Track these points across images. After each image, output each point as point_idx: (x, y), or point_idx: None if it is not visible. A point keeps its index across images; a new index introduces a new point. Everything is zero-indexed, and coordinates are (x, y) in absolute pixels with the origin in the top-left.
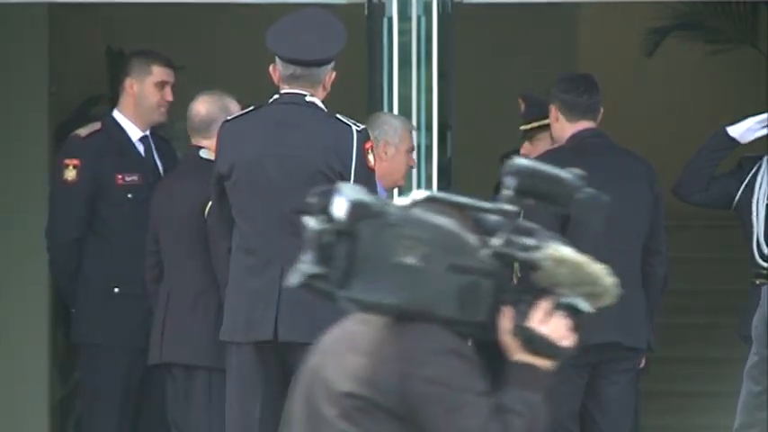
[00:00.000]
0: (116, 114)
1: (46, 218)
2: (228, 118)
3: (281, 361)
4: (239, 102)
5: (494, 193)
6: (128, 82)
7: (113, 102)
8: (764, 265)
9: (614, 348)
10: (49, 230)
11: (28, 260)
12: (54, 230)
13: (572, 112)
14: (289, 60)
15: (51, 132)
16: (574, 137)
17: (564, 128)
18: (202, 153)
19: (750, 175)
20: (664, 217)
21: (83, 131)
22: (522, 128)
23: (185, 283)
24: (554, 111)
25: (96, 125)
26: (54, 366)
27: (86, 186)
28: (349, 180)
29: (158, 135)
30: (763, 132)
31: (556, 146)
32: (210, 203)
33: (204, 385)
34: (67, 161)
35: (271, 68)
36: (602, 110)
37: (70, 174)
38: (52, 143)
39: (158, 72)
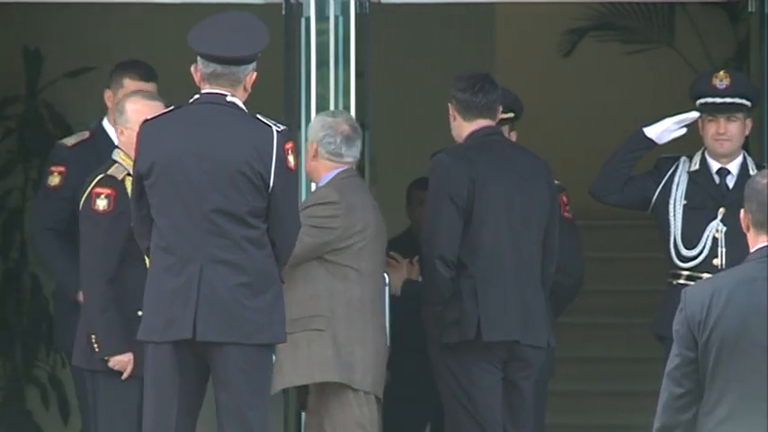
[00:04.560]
0: (105, 123)
1: None
2: (148, 117)
3: (198, 360)
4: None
5: (408, 191)
6: (107, 94)
7: (29, 101)
8: (681, 265)
9: (515, 347)
10: (31, 231)
11: None
12: (37, 230)
13: (468, 111)
14: (209, 58)
15: None
16: (471, 135)
17: (461, 126)
18: (114, 154)
19: (667, 176)
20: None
21: (70, 140)
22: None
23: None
24: (451, 109)
25: (85, 134)
26: None
27: (69, 190)
28: (269, 180)
29: None
30: (680, 133)
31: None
32: (83, 199)
33: (90, 388)
34: (53, 168)
35: (192, 68)
36: (500, 108)
37: (54, 180)
38: None
39: (130, 85)
